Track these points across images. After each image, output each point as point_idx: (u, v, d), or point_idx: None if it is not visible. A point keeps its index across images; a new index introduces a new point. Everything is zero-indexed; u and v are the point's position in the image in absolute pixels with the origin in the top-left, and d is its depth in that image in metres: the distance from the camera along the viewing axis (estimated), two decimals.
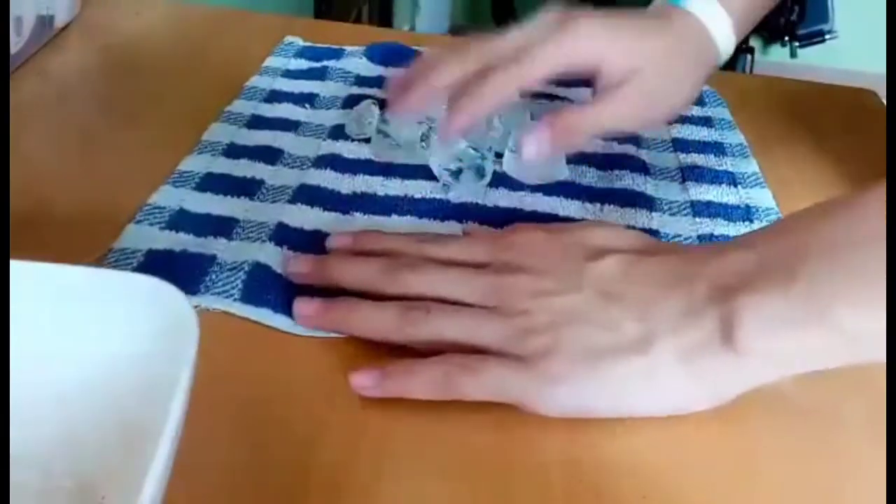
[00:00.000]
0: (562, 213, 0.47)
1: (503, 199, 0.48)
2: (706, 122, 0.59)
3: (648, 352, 0.34)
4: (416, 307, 0.36)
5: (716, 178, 0.52)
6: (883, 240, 0.31)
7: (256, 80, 0.59)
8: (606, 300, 0.36)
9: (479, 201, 0.47)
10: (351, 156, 0.51)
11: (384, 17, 1.88)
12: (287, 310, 0.39)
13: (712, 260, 0.36)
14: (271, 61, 0.62)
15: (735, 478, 0.34)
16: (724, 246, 0.37)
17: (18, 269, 0.29)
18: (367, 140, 0.51)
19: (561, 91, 0.59)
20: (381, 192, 0.47)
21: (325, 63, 0.62)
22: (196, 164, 0.49)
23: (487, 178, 0.48)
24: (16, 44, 0.56)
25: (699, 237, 0.46)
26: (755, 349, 0.33)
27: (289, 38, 0.65)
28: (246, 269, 0.41)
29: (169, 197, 0.46)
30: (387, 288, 0.38)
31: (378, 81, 0.60)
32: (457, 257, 0.39)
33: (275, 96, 0.57)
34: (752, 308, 0.33)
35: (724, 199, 0.50)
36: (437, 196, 0.47)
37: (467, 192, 0.48)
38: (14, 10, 0.55)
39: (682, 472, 0.34)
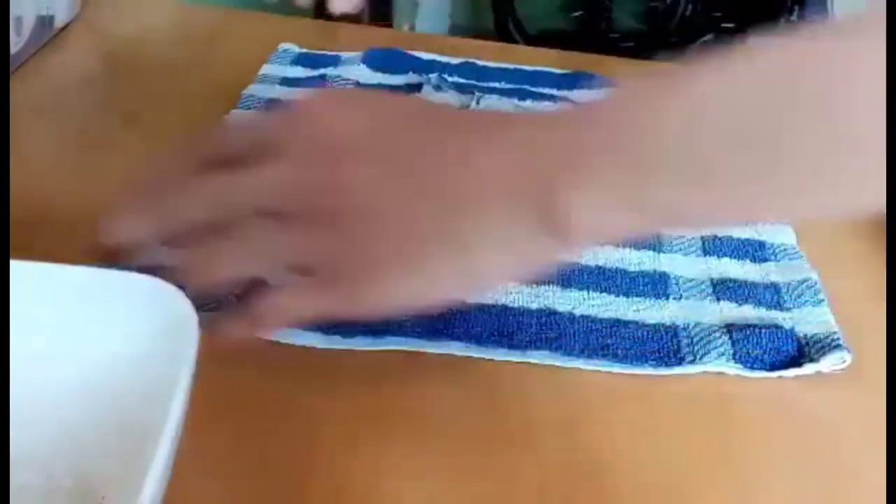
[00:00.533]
0: None
1: None
2: None
3: (465, 250, 0.32)
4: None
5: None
6: (706, 119, 0.29)
7: (255, 89, 0.58)
8: (414, 191, 0.32)
9: None
10: None
11: (384, 16, 1.88)
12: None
13: (534, 136, 0.32)
14: (268, 69, 0.61)
15: (735, 478, 0.34)
16: (545, 121, 0.34)
17: (18, 269, 0.29)
18: None
19: (560, 93, 0.59)
20: None
21: (323, 71, 0.61)
22: None
23: None
24: (16, 44, 0.56)
25: (702, 238, 0.46)
26: (577, 230, 0.31)
27: (284, 46, 0.64)
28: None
29: None
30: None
31: (377, 88, 0.60)
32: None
33: (274, 105, 0.57)
34: (574, 189, 0.30)
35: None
36: None
37: None
38: (14, 10, 0.55)
39: (682, 472, 0.34)
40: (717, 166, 0.30)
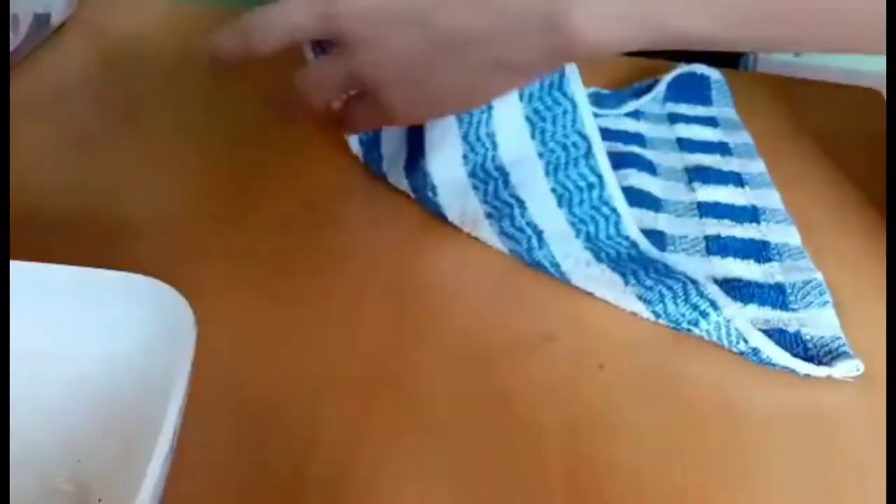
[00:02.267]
0: None
1: None
2: (711, 121, 0.58)
3: (466, 54, 0.37)
4: None
5: (722, 178, 0.52)
6: None
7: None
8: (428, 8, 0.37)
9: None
10: None
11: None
12: None
13: None
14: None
15: (735, 478, 0.34)
16: None
17: (18, 269, 0.29)
18: None
19: None
20: None
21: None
22: None
23: None
24: (12, 42, 0.56)
25: (706, 237, 0.46)
26: (586, 39, 0.35)
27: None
28: None
29: None
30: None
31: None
32: None
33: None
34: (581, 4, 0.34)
35: (731, 200, 0.50)
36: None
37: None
38: (11, 8, 0.55)
39: (682, 472, 0.34)
40: None
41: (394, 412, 0.35)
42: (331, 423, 0.34)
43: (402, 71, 0.38)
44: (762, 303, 0.42)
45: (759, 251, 0.46)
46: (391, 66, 0.38)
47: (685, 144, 0.55)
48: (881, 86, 0.67)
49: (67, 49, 0.62)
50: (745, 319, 0.39)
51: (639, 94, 0.60)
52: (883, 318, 0.42)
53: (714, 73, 0.62)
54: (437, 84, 0.38)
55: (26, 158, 0.49)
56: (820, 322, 0.41)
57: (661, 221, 0.47)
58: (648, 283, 0.41)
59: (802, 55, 2.46)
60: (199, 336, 0.27)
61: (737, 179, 0.52)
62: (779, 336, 0.39)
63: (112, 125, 0.54)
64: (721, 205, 0.49)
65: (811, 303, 0.42)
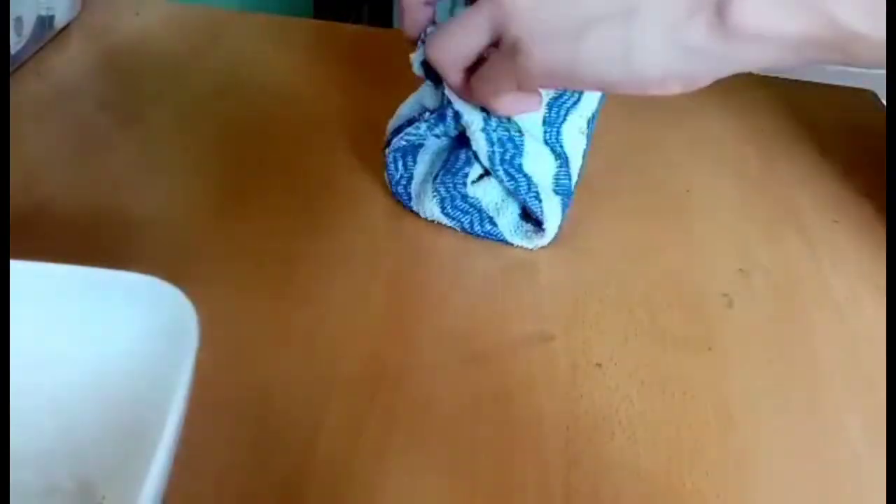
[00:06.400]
0: None
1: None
2: None
3: (632, 19, 0.34)
4: None
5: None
6: None
7: None
8: None
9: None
10: None
11: (384, 17, 1.88)
12: None
13: None
14: None
15: (735, 478, 0.34)
16: None
17: (18, 269, 0.29)
18: None
19: None
20: None
21: None
22: None
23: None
24: (16, 44, 0.56)
25: None
26: (746, 27, 0.32)
27: None
28: None
29: None
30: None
31: None
32: None
33: None
34: None
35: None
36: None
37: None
38: (14, 11, 0.55)
39: (682, 472, 0.34)
40: None
41: (393, 412, 0.35)
42: (331, 423, 0.35)
43: (557, 24, 0.35)
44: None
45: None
46: (547, 13, 0.35)
47: None
48: (878, 86, 0.67)
49: (71, 51, 0.62)
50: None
51: None
52: (883, 318, 0.42)
53: None
54: (586, 49, 0.35)
55: (30, 159, 0.49)
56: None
57: None
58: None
59: None
60: (201, 336, 0.27)
61: None
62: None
63: (115, 126, 0.54)
64: None
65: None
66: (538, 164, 0.44)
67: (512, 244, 0.45)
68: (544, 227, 0.44)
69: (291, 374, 0.37)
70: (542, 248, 0.45)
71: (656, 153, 0.55)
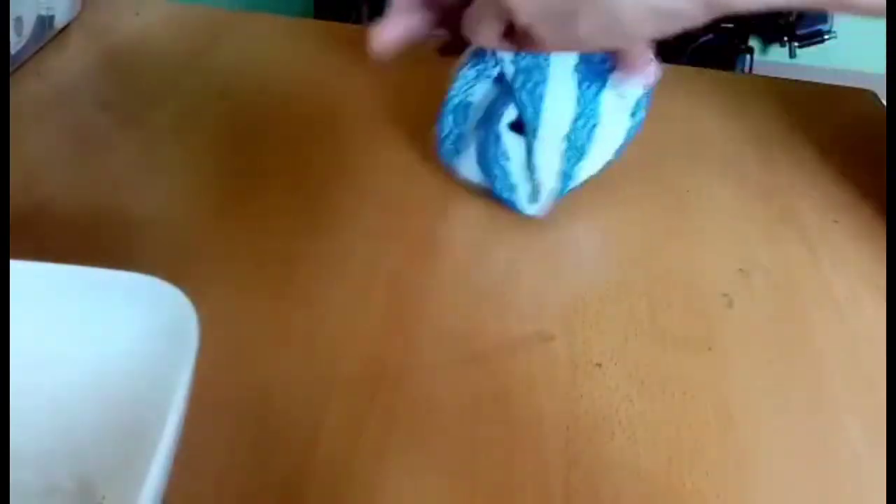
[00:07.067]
0: None
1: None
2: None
3: None
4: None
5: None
6: None
7: None
8: None
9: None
10: None
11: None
12: None
13: None
14: None
15: (735, 478, 0.34)
16: None
17: (18, 269, 0.29)
18: None
19: None
20: None
21: None
22: None
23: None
24: (16, 44, 0.56)
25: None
26: None
27: None
28: None
29: None
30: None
31: None
32: None
33: None
34: None
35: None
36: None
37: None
38: (14, 11, 0.55)
39: (682, 472, 0.34)
40: None
41: (393, 412, 0.35)
42: (331, 423, 0.35)
43: (554, 6, 0.37)
44: None
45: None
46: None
47: None
48: (878, 86, 0.67)
49: (71, 51, 0.62)
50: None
51: None
52: (883, 318, 0.42)
53: None
54: (584, 23, 0.37)
55: (30, 159, 0.49)
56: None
57: None
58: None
59: (797, 57, 2.46)
60: (201, 336, 0.27)
61: None
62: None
63: (115, 126, 0.54)
64: None
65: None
66: (558, 101, 0.45)
67: (524, 213, 0.47)
68: (538, 196, 0.47)
69: (291, 374, 0.37)
70: (542, 248, 0.45)
71: (656, 153, 0.55)
